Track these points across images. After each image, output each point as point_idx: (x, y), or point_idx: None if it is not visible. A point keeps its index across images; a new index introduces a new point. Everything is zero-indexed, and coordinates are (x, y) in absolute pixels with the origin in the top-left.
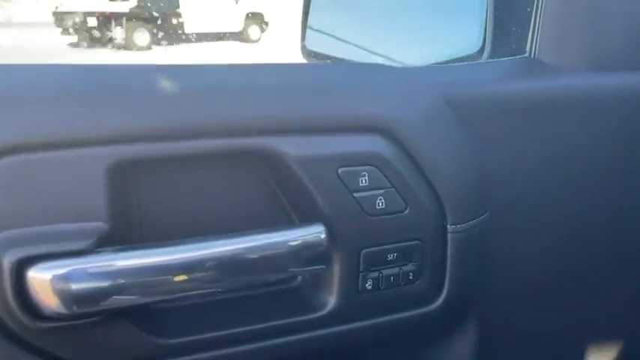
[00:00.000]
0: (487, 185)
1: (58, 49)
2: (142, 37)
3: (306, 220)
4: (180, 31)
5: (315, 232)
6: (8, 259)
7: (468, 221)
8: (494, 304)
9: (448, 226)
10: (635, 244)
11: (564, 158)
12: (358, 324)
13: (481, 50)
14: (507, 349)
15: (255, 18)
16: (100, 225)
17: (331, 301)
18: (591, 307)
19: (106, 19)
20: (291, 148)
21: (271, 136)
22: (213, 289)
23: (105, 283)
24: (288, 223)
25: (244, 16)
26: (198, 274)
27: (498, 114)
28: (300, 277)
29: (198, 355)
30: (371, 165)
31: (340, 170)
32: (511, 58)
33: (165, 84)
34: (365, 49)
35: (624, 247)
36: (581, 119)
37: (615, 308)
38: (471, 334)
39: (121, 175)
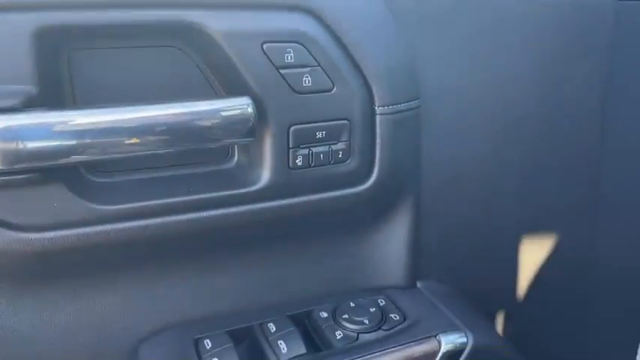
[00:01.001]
0: (418, 73)
1: None
2: None
3: (233, 94)
4: None
5: (242, 104)
6: None
7: (396, 104)
8: (428, 192)
9: (376, 108)
10: (565, 136)
11: (509, 57)
12: (290, 200)
13: None
14: (443, 234)
15: None
16: (28, 87)
17: (264, 176)
18: (523, 196)
19: None
20: (216, 21)
21: (196, 10)
22: (144, 152)
23: (34, 141)
24: (216, 96)
25: None
26: (130, 137)
27: (436, 6)
28: (236, 158)
29: (131, 223)
30: (296, 42)
31: (265, 46)
32: None
33: None
34: None
35: (555, 139)
36: (533, 20)
37: (547, 197)
38: (404, 217)
39: (49, 41)
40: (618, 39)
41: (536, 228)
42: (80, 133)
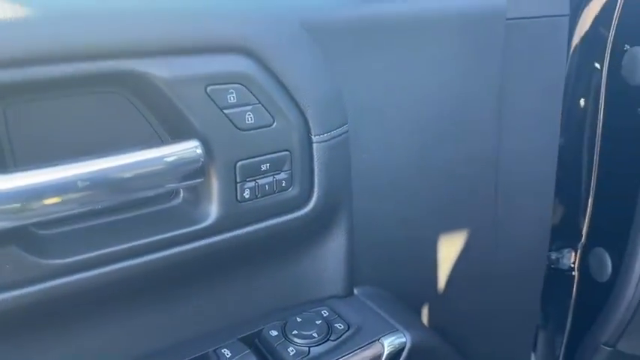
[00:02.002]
0: (344, 100)
1: None
2: None
3: (179, 138)
4: None
5: (191, 148)
6: None
7: (330, 131)
8: (359, 207)
9: (312, 137)
10: (469, 143)
11: (416, 75)
12: (240, 231)
13: None
14: (373, 241)
15: None
16: None
17: (214, 212)
18: (439, 200)
19: None
20: (158, 69)
21: (138, 58)
22: (92, 207)
23: None
24: (163, 142)
25: None
26: (75, 194)
27: (351, 35)
28: (182, 195)
29: (82, 274)
30: (238, 83)
31: (209, 89)
32: None
33: (23, 8)
34: None
35: (461, 146)
36: (432, 39)
37: (459, 200)
38: (340, 231)
39: None
40: (508, 54)
41: (452, 229)
42: (25, 195)
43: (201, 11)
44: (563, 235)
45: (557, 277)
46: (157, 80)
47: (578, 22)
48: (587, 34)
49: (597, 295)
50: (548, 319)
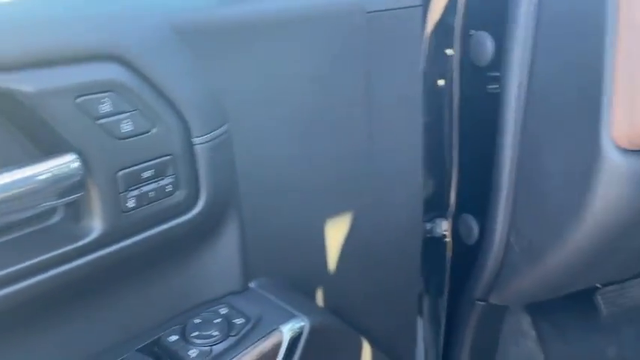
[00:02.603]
0: (222, 100)
1: None
2: None
3: (53, 154)
4: None
5: (66, 162)
6: None
7: (210, 132)
8: (249, 202)
9: (193, 139)
10: (340, 135)
11: (287, 71)
12: (127, 241)
13: None
14: (266, 237)
15: None
16: None
17: (97, 226)
18: (326, 191)
19: None
20: (21, 84)
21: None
22: None
23: None
24: (35, 158)
25: None
26: None
27: (221, 35)
28: (63, 211)
29: None
30: (110, 91)
31: (79, 100)
32: None
33: None
34: None
35: (333, 137)
36: (299, 36)
37: (343, 188)
38: (231, 228)
39: None
40: (371, 46)
41: (335, 214)
42: None
43: (65, 19)
44: (435, 206)
45: (433, 244)
46: (21, 96)
47: (429, 11)
48: (438, 22)
49: (468, 257)
50: (429, 284)
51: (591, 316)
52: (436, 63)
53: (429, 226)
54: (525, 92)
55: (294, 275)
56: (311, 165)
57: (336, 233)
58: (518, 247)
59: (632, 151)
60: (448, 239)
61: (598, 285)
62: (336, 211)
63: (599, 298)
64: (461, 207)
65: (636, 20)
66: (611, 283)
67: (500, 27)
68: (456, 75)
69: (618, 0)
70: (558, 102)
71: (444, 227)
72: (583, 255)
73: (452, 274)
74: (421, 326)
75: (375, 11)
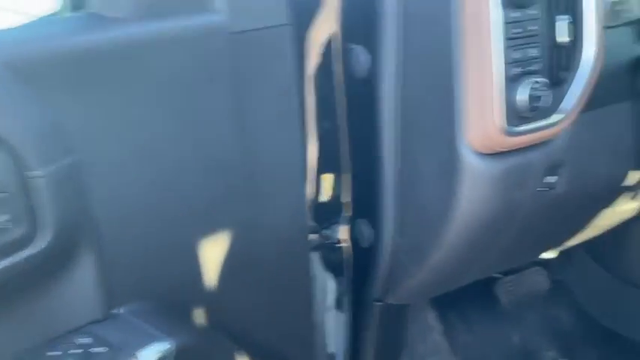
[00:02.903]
0: (69, 132)
1: None
2: None
3: None
4: None
5: None
6: None
7: (48, 165)
8: (115, 229)
9: (29, 173)
10: (225, 150)
11: (144, 95)
12: None
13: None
14: (137, 260)
15: None
16: None
17: None
18: (199, 208)
19: None
20: None
21: None
22: None
23: None
24: None
25: None
26: None
27: (67, 66)
28: None
29: None
30: None
31: None
32: (73, 14)
33: None
34: None
35: (198, 156)
36: (140, 67)
37: (218, 204)
38: (89, 260)
39: None
40: (240, 65)
41: (211, 230)
42: None
43: None
44: (332, 212)
45: (333, 250)
46: None
47: (312, 28)
48: (323, 38)
49: (365, 260)
50: (337, 288)
51: (496, 305)
52: (325, 76)
53: (326, 232)
54: (400, 101)
55: (170, 297)
56: (180, 186)
57: (214, 250)
58: (405, 249)
59: (488, 154)
60: (346, 244)
61: (497, 275)
62: (212, 229)
63: (498, 288)
64: (356, 212)
65: (481, 25)
66: (510, 273)
67: (373, 40)
68: (339, 88)
69: (463, 5)
70: (425, 109)
71: (341, 233)
72: (458, 254)
73: (353, 278)
74: (330, 332)
75: (238, 32)
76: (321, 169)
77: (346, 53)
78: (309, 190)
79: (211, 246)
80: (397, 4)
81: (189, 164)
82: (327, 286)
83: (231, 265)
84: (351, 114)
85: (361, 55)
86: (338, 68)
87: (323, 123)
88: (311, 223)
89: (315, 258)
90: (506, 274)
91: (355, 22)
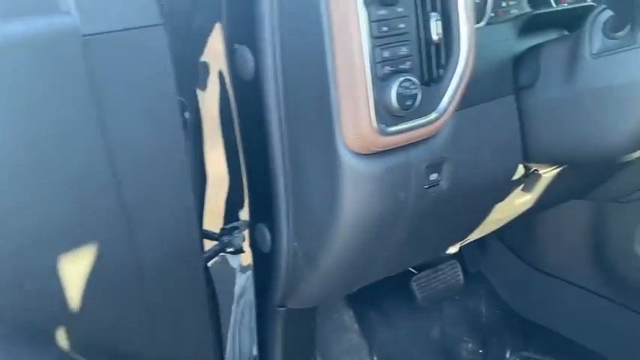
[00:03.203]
0: None
1: None
2: None
3: None
4: None
5: None
6: None
7: None
8: None
9: None
10: (92, 159)
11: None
12: None
13: None
14: None
15: None
16: None
17: None
18: (63, 225)
19: None
20: None
21: None
22: None
23: None
24: None
25: None
26: None
27: None
28: None
29: None
30: None
31: None
32: None
33: None
34: None
35: (82, 167)
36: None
37: (86, 219)
38: None
39: None
40: (103, 67)
41: (79, 247)
42: None
43: None
44: (231, 219)
45: (236, 257)
46: None
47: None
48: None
49: (266, 265)
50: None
51: (414, 300)
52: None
53: (227, 239)
54: (283, 103)
55: (30, 321)
56: (37, 201)
57: (76, 269)
58: (300, 253)
59: (367, 154)
60: (246, 250)
61: (413, 270)
62: (79, 244)
63: (413, 285)
64: (254, 217)
65: (347, 24)
66: (425, 268)
67: (254, 40)
68: (230, 90)
69: (329, 4)
70: (307, 110)
71: (241, 239)
72: (347, 256)
73: (255, 284)
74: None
75: (93, 34)
76: (232, 175)
77: (231, 54)
78: (213, 196)
79: (74, 264)
80: (272, 2)
81: (47, 177)
82: (235, 292)
83: (97, 283)
84: (241, 116)
85: (248, 56)
86: (224, 69)
87: (227, 129)
88: (212, 230)
89: (235, 262)
90: (420, 269)
91: (238, 21)
